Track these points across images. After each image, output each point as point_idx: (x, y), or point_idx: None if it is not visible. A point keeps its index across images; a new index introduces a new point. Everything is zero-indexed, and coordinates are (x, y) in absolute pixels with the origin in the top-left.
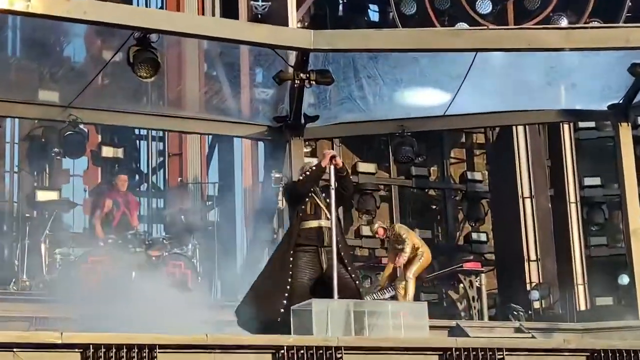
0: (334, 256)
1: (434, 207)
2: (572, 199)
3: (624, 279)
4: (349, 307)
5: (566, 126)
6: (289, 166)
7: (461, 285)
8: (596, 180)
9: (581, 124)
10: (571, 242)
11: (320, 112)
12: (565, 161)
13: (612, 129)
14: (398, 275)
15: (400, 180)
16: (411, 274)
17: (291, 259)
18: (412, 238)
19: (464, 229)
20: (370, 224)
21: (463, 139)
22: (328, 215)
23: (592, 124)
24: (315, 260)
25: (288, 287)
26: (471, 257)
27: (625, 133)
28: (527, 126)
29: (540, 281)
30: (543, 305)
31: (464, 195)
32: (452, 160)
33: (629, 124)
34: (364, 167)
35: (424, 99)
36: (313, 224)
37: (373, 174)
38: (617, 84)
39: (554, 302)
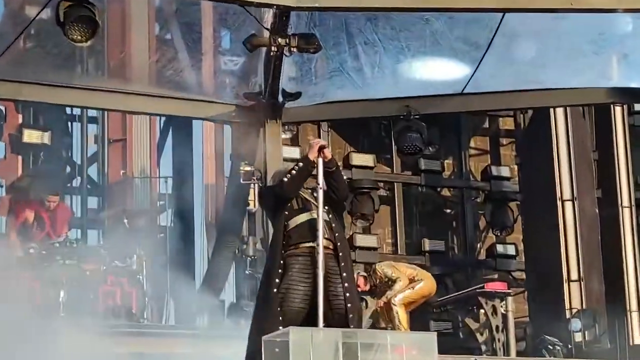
0: (320, 261)
1: (448, 211)
2: (626, 202)
3: None
4: (338, 338)
5: (618, 109)
6: (263, 157)
7: (482, 311)
8: None
9: (637, 107)
10: (623, 257)
11: (303, 88)
12: (617, 154)
13: None
14: None
15: (405, 176)
16: (396, 299)
17: (280, 270)
18: (403, 271)
19: (486, 239)
20: (366, 232)
21: (486, 125)
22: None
23: None
24: (308, 263)
25: (281, 317)
26: (495, 276)
27: None
28: (568, 108)
29: (584, 307)
30: (587, 338)
31: (487, 197)
32: (472, 152)
33: None
34: (359, 159)
35: (436, 72)
36: (301, 218)
37: (371, 168)
38: None
39: (601, 334)
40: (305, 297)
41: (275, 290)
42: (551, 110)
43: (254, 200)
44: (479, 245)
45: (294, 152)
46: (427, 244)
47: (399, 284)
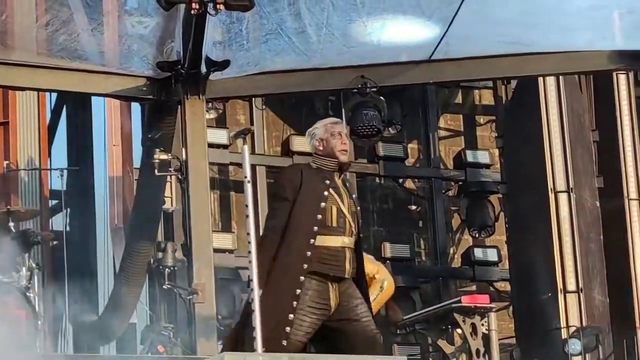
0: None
1: (413, 207)
2: (633, 193)
3: None
4: None
5: (622, 78)
6: (183, 142)
7: (458, 331)
8: None
9: None
10: (631, 261)
11: (232, 55)
12: (622, 134)
13: None
14: None
15: (360, 164)
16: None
17: (298, 292)
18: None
19: (461, 242)
20: None
21: (459, 99)
22: (353, 230)
23: None
24: (324, 296)
25: (285, 345)
26: (474, 287)
27: None
28: (561, 78)
29: (584, 324)
30: None
31: (462, 189)
32: (443, 133)
33: None
34: (301, 143)
35: (398, 34)
36: (334, 241)
37: None
38: None
39: (605, 358)
40: (310, 331)
41: (291, 315)
42: (540, 80)
43: (172, 197)
44: (452, 250)
45: (222, 136)
46: (387, 249)
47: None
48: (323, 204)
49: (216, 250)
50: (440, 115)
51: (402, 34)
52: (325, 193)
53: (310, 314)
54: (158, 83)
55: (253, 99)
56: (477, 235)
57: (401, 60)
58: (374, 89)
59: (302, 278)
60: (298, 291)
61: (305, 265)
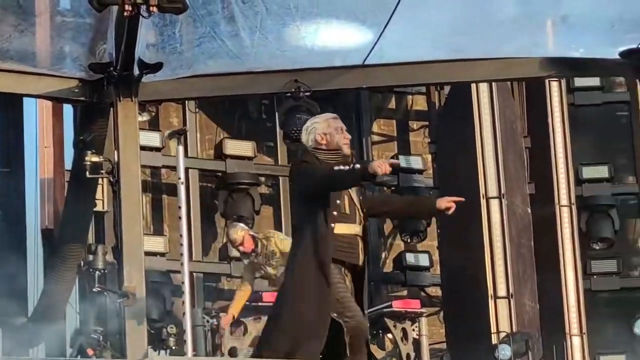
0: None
1: None
2: (564, 200)
3: None
4: None
5: (555, 85)
6: (116, 144)
7: (389, 336)
8: (601, 171)
9: (578, 82)
10: (562, 268)
11: (165, 58)
12: (554, 141)
13: (625, 90)
14: None
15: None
16: None
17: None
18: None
19: (393, 247)
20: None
21: (392, 104)
22: (362, 219)
23: (594, 82)
24: (345, 284)
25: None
26: (405, 292)
27: None
28: (493, 84)
29: (514, 330)
30: None
31: (395, 194)
32: (376, 138)
33: None
34: (235, 147)
35: (331, 39)
36: (348, 229)
37: (250, 158)
38: (635, 18)
39: None
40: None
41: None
42: (473, 86)
43: (104, 199)
44: (384, 255)
45: (154, 139)
46: None
47: (279, 270)
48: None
49: (147, 253)
50: (374, 120)
51: (336, 39)
52: None
53: (346, 291)
54: (90, 85)
55: (186, 102)
56: (409, 241)
57: (335, 65)
58: (307, 93)
59: (331, 265)
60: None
61: (331, 250)
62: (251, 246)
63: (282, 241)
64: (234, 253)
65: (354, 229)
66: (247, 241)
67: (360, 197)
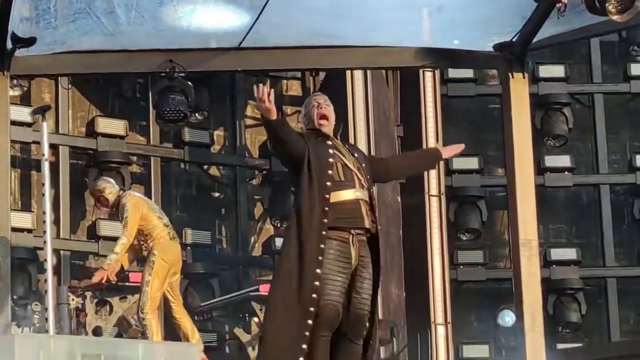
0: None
1: (217, 194)
2: (433, 190)
3: (507, 317)
4: (74, 348)
5: (429, 75)
6: None
7: (255, 319)
8: (471, 162)
9: (452, 73)
10: (429, 257)
11: (39, 32)
12: (426, 130)
13: (498, 83)
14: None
15: (165, 149)
16: (149, 286)
17: (320, 257)
18: (147, 214)
19: (263, 230)
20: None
21: (267, 88)
22: (364, 183)
23: (468, 73)
24: (346, 253)
25: (312, 308)
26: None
27: (519, 89)
28: (368, 72)
29: (380, 317)
30: (382, 355)
31: (266, 178)
32: (249, 122)
33: (526, 74)
34: (107, 125)
35: (208, 20)
36: (345, 194)
37: (122, 137)
38: (510, 12)
39: (399, 351)
40: (342, 291)
41: (317, 282)
42: (348, 73)
43: None
44: (253, 239)
45: (25, 114)
46: (189, 235)
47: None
48: (331, 160)
49: (14, 229)
50: (248, 104)
51: (212, 20)
52: (331, 151)
53: (339, 273)
54: None
55: (59, 78)
56: (278, 225)
57: (210, 47)
58: (182, 74)
59: (323, 232)
60: (322, 246)
61: (325, 220)
62: (110, 202)
63: (129, 196)
64: (103, 232)
65: (354, 193)
66: (106, 196)
67: (363, 164)
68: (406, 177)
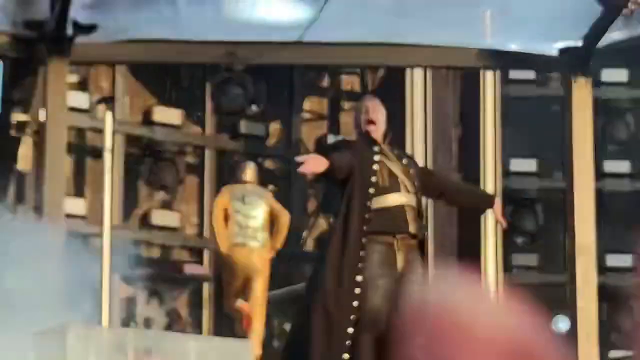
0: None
1: (270, 187)
2: (489, 191)
3: (561, 323)
4: (124, 340)
5: (489, 76)
6: (42, 104)
7: None
8: (530, 164)
9: (513, 74)
10: (483, 260)
11: (100, 20)
12: (485, 130)
13: (560, 86)
14: None
15: (220, 139)
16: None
17: (359, 264)
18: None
19: (316, 226)
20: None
21: (326, 83)
22: (410, 189)
23: (530, 76)
24: (390, 257)
25: (353, 315)
26: None
27: (582, 93)
28: (429, 71)
29: None
30: None
31: (322, 174)
32: (307, 116)
33: (589, 79)
34: (162, 114)
35: (270, 12)
36: (391, 200)
37: (177, 127)
38: (576, 16)
39: None
40: (387, 295)
41: (359, 277)
42: (407, 71)
43: (28, 159)
44: (305, 234)
45: (83, 100)
46: None
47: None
48: (375, 167)
49: (67, 216)
50: (305, 98)
51: (274, 13)
52: (376, 157)
53: (382, 277)
54: (22, 42)
55: (116, 65)
56: (331, 221)
57: (271, 40)
58: (241, 68)
59: (363, 240)
60: (362, 253)
61: (365, 227)
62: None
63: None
64: (154, 221)
65: (399, 199)
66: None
67: (410, 170)
68: (455, 206)
